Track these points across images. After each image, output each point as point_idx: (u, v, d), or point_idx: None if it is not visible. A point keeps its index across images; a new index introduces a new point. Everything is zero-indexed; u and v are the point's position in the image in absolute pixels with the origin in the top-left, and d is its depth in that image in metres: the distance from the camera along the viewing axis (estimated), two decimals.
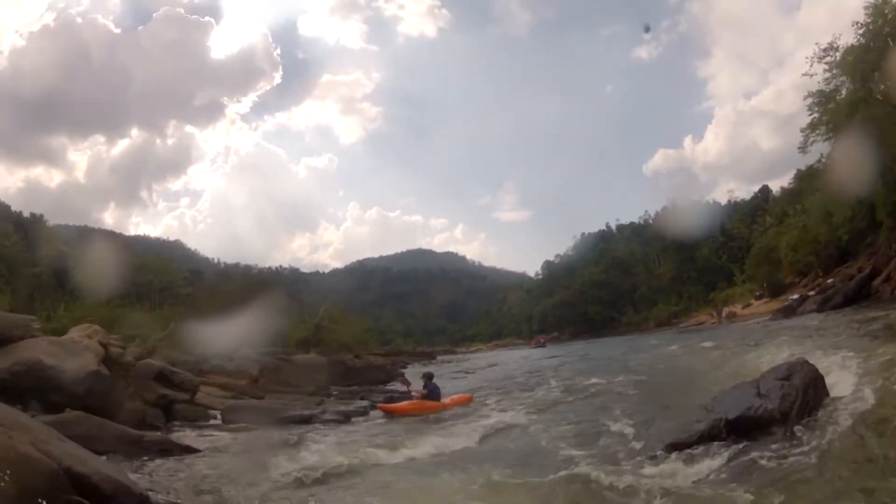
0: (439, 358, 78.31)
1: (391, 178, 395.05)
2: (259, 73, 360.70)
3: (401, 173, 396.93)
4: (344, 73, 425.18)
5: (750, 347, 23.15)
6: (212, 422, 17.91)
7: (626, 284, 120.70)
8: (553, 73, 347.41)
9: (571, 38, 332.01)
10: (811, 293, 45.54)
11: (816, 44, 48.25)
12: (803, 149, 50.83)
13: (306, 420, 17.73)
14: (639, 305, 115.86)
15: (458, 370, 45.84)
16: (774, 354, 17.17)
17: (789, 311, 43.01)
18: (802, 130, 49.91)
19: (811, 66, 48.40)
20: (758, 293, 70.04)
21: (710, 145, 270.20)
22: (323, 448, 13.05)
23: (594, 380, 21.90)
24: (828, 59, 47.38)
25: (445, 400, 20.35)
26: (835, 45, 46.84)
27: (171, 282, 72.94)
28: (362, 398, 23.99)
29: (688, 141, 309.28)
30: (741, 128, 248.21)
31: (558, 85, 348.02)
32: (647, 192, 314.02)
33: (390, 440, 13.88)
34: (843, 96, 45.04)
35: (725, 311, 66.74)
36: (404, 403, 20.08)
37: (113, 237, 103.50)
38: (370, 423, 18.38)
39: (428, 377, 21.12)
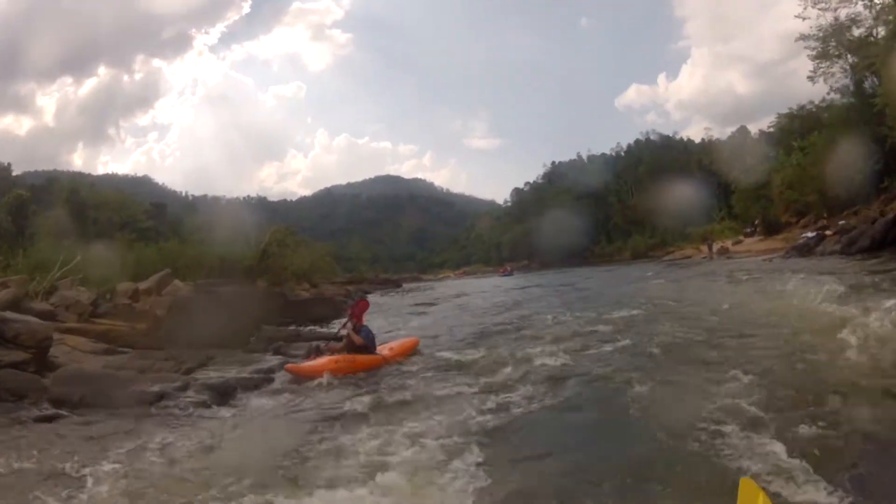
0: (405, 286, 75.13)
1: (360, 105, 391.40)
2: (227, 2, 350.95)
3: (370, 100, 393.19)
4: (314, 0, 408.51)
5: (790, 289, 17.81)
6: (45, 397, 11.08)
7: (600, 214, 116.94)
8: (527, 2, 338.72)
9: None
10: (828, 233, 40.53)
11: None
12: (814, 78, 51.65)
13: (153, 401, 10.88)
14: (612, 236, 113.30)
15: (422, 301, 39.94)
16: (840, 302, 13.58)
17: (806, 250, 38.45)
18: (814, 59, 50.85)
19: (805, 9, 49.80)
20: (748, 230, 66.30)
21: (685, 84, 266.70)
22: None
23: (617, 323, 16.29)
24: (822, 4, 48.77)
25: (383, 349, 14.32)
26: None
27: (131, 216, 69.40)
28: (277, 351, 17.20)
29: (662, 78, 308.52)
30: (717, 70, 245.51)
31: (534, 15, 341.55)
32: (618, 126, 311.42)
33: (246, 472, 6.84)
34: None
35: (717, 246, 60.63)
36: (321, 361, 13.38)
37: (80, 178, 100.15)
38: (261, 401, 11.43)
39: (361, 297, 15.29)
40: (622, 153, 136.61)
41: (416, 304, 36.85)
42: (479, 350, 14.17)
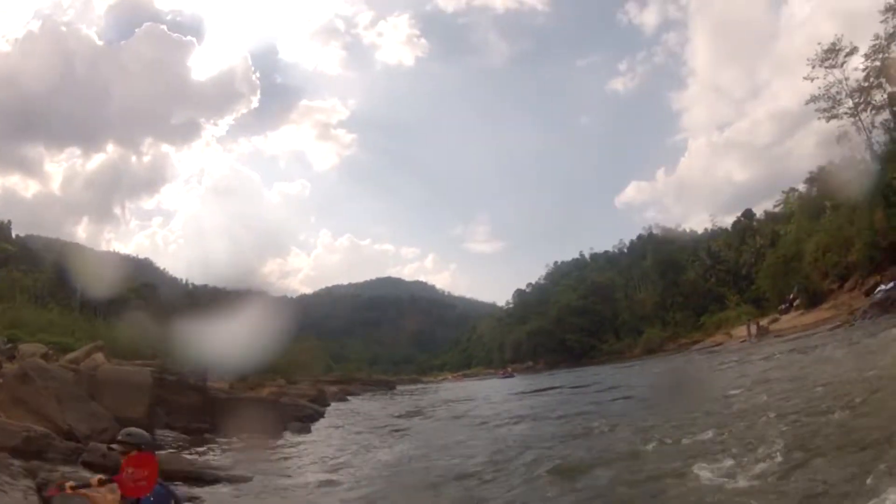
0: (400, 388, 68.06)
1: (363, 206, 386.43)
2: (237, 95, 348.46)
3: (373, 201, 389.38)
4: (321, 98, 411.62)
5: None
6: None
7: (607, 311, 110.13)
8: (528, 103, 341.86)
9: (547, 69, 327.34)
10: None
11: (819, 43, 53.90)
12: (861, 97, 50.41)
13: None
14: (620, 333, 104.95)
15: (408, 410, 32.39)
16: None
17: (888, 305, 33.86)
18: (863, 88, 49.35)
19: (813, 68, 53.83)
20: (783, 306, 59.10)
21: (684, 177, 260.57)
22: None
23: None
24: (829, 62, 52.56)
25: None
26: (837, 47, 52.04)
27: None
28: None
29: (660, 173, 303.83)
30: (714, 159, 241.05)
31: (533, 116, 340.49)
32: (619, 224, 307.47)
33: None
34: None
35: (755, 327, 54.33)
36: None
37: (79, 250, 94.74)
38: None
39: (134, 445, 5.37)
40: (625, 249, 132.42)
41: (398, 417, 28.71)
42: None
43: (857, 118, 52.92)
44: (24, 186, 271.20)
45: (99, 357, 22.82)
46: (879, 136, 50.12)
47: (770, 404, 13.30)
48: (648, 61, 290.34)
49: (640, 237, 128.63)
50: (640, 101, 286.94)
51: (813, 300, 52.72)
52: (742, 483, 7.75)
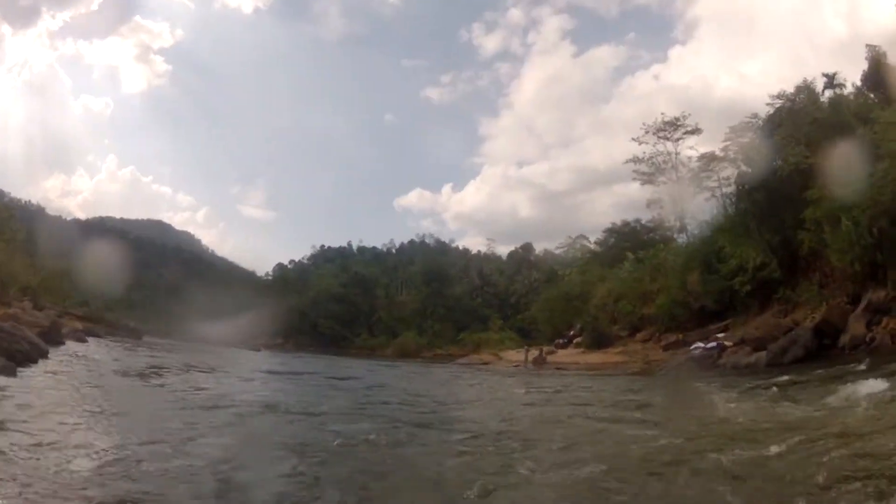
0: (147, 339, 61.24)
1: (156, 142, 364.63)
2: None
3: (166, 140, 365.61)
4: (153, 19, 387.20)
5: None
6: None
7: (365, 305, 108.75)
8: (342, 87, 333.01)
9: (372, 60, 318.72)
10: (728, 343, 35.15)
11: (662, 113, 60.05)
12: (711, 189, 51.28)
13: None
14: (375, 329, 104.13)
15: (145, 370, 24.06)
16: None
17: (709, 363, 33.50)
18: (712, 159, 50.13)
19: (645, 133, 59.16)
20: (561, 340, 58.00)
21: (468, 198, 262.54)
22: None
23: None
24: (665, 133, 58.49)
25: None
26: (679, 122, 58.45)
27: None
28: None
29: (447, 188, 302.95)
30: (505, 190, 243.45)
31: (342, 100, 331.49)
32: (393, 224, 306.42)
33: None
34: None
35: (532, 355, 51.74)
36: None
37: None
38: None
39: None
40: (394, 250, 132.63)
41: (132, 377, 21.61)
42: None
43: (685, 188, 55.62)
44: None
45: None
46: (704, 206, 51.73)
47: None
48: (472, 82, 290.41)
49: (411, 242, 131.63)
50: (450, 116, 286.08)
51: (598, 341, 52.29)
52: None
